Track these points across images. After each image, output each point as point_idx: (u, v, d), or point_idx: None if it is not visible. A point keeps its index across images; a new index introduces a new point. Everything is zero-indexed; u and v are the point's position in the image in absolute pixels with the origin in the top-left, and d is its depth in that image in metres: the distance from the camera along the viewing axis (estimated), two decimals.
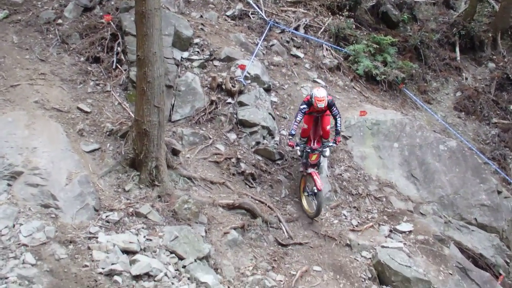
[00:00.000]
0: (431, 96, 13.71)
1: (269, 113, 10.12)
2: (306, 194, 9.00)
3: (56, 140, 7.67)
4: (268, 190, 9.15)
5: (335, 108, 8.88)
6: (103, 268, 6.06)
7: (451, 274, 8.39)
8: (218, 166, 9.05)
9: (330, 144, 9.00)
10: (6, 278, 5.36)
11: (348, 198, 9.53)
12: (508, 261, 9.94)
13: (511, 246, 10.37)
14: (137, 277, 6.16)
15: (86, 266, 6.03)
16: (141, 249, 6.64)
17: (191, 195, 7.93)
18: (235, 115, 9.87)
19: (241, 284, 7.12)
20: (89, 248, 6.36)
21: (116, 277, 6.02)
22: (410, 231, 9.06)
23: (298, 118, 8.70)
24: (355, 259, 8.36)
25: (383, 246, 8.52)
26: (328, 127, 9.30)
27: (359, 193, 9.77)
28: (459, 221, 10.11)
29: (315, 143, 9.13)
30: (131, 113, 8.77)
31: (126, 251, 6.49)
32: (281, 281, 7.44)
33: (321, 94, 8.49)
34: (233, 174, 9.03)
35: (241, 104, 10.03)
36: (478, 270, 8.98)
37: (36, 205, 6.73)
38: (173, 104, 9.69)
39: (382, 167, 10.47)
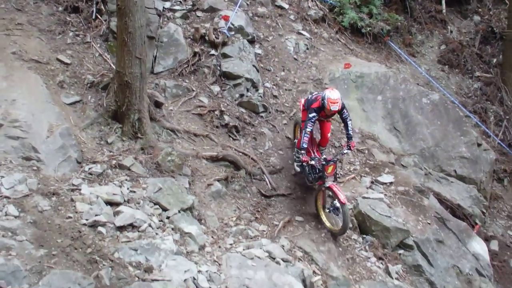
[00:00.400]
0: (415, 49, 13.66)
1: (253, 65, 10.01)
2: (327, 210, 8.03)
3: (35, 92, 7.53)
4: (251, 142, 9.17)
5: (345, 111, 7.93)
6: (87, 220, 6.10)
7: (429, 223, 8.62)
8: (202, 118, 9.01)
9: (345, 152, 8.18)
10: None
11: (331, 151, 9.61)
12: (485, 211, 10.24)
13: (488, 197, 10.67)
14: (121, 228, 6.22)
15: (69, 217, 6.06)
16: (124, 201, 6.68)
17: (174, 148, 7.93)
18: (218, 67, 9.75)
19: (225, 234, 7.25)
20: (72, 200, 6.37)
21: (100, 228, 6.07)
22: (391, 183, 9.22)
23: (308, 129, 7.67)
24: None
25: (364, 197, 8.68)
26: (329, 134, 8.62)
27: (342, 145, 9.85)
28: (439, 172, 10.32)
29: (315, 153, 8.29)
30: (112, 64, 8.61)
31: (109, 203, 6.53)
32: (264, 231, 7.59)
33: (334, 96, 7.56)
34: (217, 127, 9.01)
35: (225, 56, 9.89)
36: (455, 220, 9.24)
37: (17, 157, 6.66)
38: (156, 56, 9.51)
39: (365, 120, 10.54)
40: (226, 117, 9.14)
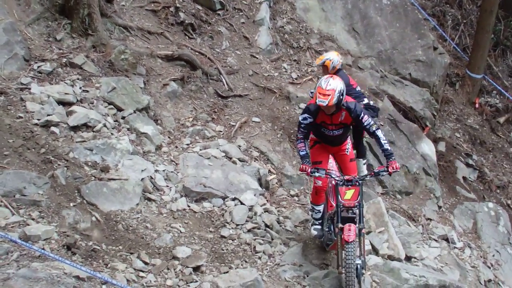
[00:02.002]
0: None
1: None
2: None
3: None
4: (208, 41, 8.92)
5: (365, 117, 5.34)
6: (38, 120, 5.93)
7: (382, 125, 8.89)
8: (156, 15, 8.61)
9: (381, 172, 5.43)
10: None
11: (289, 51, 9.52)
12: (435, 114, 10.62)
13: (440, 100, 11.02)
14: (75, 128, 6.12)
15: (20, 117, 5.87)
16: (77, 101, 6.48)
17: (127, 46, 7.63)
18: None
19: (181, 134, 7.28)
20: (22, 99, 6.13)
21: (53, 128, 5.94)
22: None
23: (298, 142, 5.58)
24: (293, 111, 8.61)
25: None
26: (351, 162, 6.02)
27: (300, 46, 9.75)
28: (395, 75, 10.47)
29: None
30: None
31: (61, 103, 6.32)
32: (221, 131, 7.65)
33: (326, 85, 5.14)
34: (172, 24, 8.66)
35: None
36: (407, 122, 9.58)
37: None
38: None
39: (324, 20, 10.36)
40: (181, 14, 8.77)
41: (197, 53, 8.44)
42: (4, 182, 4.91)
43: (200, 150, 7.00)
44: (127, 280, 4.60)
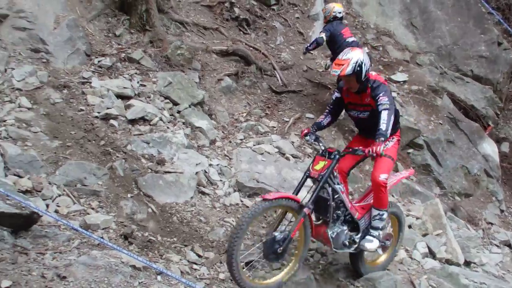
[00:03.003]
0: None
1: None
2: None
3: None
4: (262, 36, 8.91)
5: (382, 96, 4.51)
6: (98, 112, 6.12)
7: (441, 123, 8.61)
8: (211, 10, 8.69)
9: (357, 151, 4.54)
10: (4, 121, 5.41)
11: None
12: (499, 113, 10.16)
13: (504, 99, 10.52)
14: (132, 121, 6.26)
15: (81, 110, 6.08)
16: (135, 94, 6.65)
17: (183, 41, 7.74)
18: None
19: (235, 129, 7.30)
20: (83, 93, 6.34)
21: (112, 121, 6.11)
22: (404, 81, 9.09)
23: (326, 109, 5.13)
24: None
25: None
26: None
27: None
28: (455, 72, 10.11)
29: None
30: None
31: (120, 96, 6.50)
32: (274, 127, 7.62)
33: (343, 55, 4.64)
34: (227, 20, 8.72)
35: None
36: (468, 121, 9.22)
37: (26, 49, 6.53)
38: None
39: (381, 14, 10.13)
40: (236, 10, 8.81)
41: (251, 49, 8.45)
42: (66, 172, 5.09)
43: (254, 145, 7.00)
44: (181, 272, 4.65)
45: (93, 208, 4.91)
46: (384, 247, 5.12)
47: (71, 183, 5.05)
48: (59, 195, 4.86)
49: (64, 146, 5.47)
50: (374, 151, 4.25)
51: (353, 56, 4.52)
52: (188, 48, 7.61)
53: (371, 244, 4.81)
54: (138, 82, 6.86)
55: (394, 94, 8.63)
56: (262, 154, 6.83)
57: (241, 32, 8.77)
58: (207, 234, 5.38)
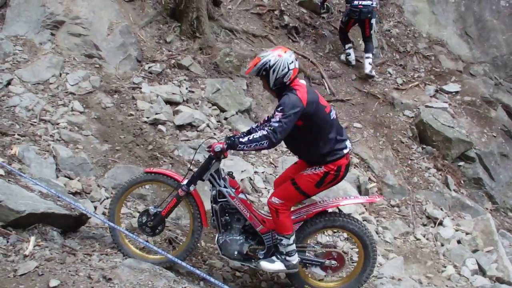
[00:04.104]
0: None
1: None
2: None
3: None
4: (311, 45, 8.86)
5: (276, 112, 3.83)
6: (147, 118, 6.24)
7: (494, 136, 8.28)
8: (261, 18, 8.71)
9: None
10: (57, 124, 5.59)
11: (395, 56, 9.17)
12: None
13: None
14: (180, 127, 6.35)
15: (131, 115, 6.21)
16: (183, 101, 6.75)
17: (232, 48, 7.79)
18: None
19: None
20: (133, 98, 6.49)
21: (160, 126, 6.21)
22: (457, 92, 8.80)
23: None
24: (397, 117, 8.27)
25: (427, 106, 8.35)
26: None
27: (407, 50, 9.36)
28: (511, 83, 9.69)
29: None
30: None
31: (169, 102, 6.61)
32: None
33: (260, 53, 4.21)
34: (276, 27, 8.71)
35: None
36: None
37: (80, 54, 6.76)
38: None
39: (434, 23, 9.86)
40: (286, 18, 8.80)
41: (300, 56, 8.40)
42: (115, 175, 5.20)
43: None
44: (224, 279, 4.65)
45: (139, 212, 4.98)
46: (330, 268, 4.40)
47: (119, 186, 5.15)
48: (107, 198, 4.98)
49: (114, 149, 5.60)
50: (211, 148, 4.00)
51: (265, 57, 3.91)
52: (237, 55, 7.65)
53: (271, 265, 4.23)
54: (186, 88, 6.96)
55: (445, 105, 8.38)
56: None
57: (290, 40, 8.74)
58: None
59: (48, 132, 5.42)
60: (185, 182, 4.17)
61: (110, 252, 4.12)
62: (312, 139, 3.96)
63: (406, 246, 6.26)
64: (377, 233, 6.27)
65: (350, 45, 8.75)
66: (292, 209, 4.30)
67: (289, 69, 3.89)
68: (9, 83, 5.85)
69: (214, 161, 4.11)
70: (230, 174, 4.34)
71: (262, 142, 3.78)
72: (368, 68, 8.49)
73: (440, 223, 6.84)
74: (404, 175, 7.49)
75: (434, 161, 7.79)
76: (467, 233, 6.58)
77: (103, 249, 4.17)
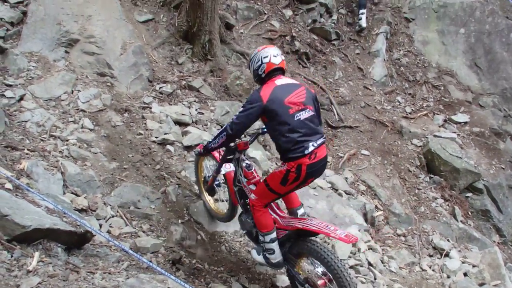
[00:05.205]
0: None
1: None
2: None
3: (110, 9, 7.56)
4: (321, 71, 8.92)
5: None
6: (156, 137, 6.26)
7: (503, 168, 8.23)
8: (272, 43, 8.79)
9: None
10: (67, 140, 5.62)
11: (404, 84, 9.19)
12: None
13: None
14: (188, 148, 6.36)
15: (140, 134, 6.24)
16: (192, 122, 6.78)
17: (243, 71, 7.85)
18: None
19: None
20: (143, 117, 6.53)
21: (168, 146, 6.23)
22: (465, 122, 8.79)
23: None
24: (405, 146, 8.26)
25: (435, 135, 8.34)
26: None
27: (416, 79, 9.39)
28: None
29: None
30: None
31: (178, 123, 6.65)
32: (328, 162, 7.52)
33: None
34: (287, 53, 8.79)
35: None
36: None
37: (93, 73, 6.83)
38: None
39: (444, 53, 9.92)
40: (297, 43, 8.88)
41: (309, 82, 8.46)
42: (121, 194, 5.20)
43: None
44: None
45: (144, 231, 4.97)
46: None
47: (125, 204, 5.15)
48: (113, 216, 4.96)
49: (121, 168, 5.61)
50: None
51: (257, 50, 4.31)
52: (247, 78, 7.71)
53: (255, 255, 4.61)
54: (196, 110, 6.99)
55: (453, 135, 8.36)
56: (314, 188, 6.73)
57: (301, 66, 8.81)
58: (255, 266, 5.31)
59: (58, 148, 5.45)
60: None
61: (113, 271, 4.09)
62: (276, 134, 4.12)
63: (411, 276, 6.17)
64: (382, 262, 6.20)
65: (364, 10, 9.52)
66: (284, 214, 4.53)
67: (262, 62, 4.21)
68: (21, 98, 5.91)
69: (232, 152, 4.75)
70: (246, 166, 4.70)
71: (222, 135, 4.29)
72: (364, 22, 9.57)
73: (447, 255, 6.76)
74: (411, 204, 7.43)
75: (442, 191, 7.74)
76: (474, 266, 6.48)
77: (107, 267, 4.14)
